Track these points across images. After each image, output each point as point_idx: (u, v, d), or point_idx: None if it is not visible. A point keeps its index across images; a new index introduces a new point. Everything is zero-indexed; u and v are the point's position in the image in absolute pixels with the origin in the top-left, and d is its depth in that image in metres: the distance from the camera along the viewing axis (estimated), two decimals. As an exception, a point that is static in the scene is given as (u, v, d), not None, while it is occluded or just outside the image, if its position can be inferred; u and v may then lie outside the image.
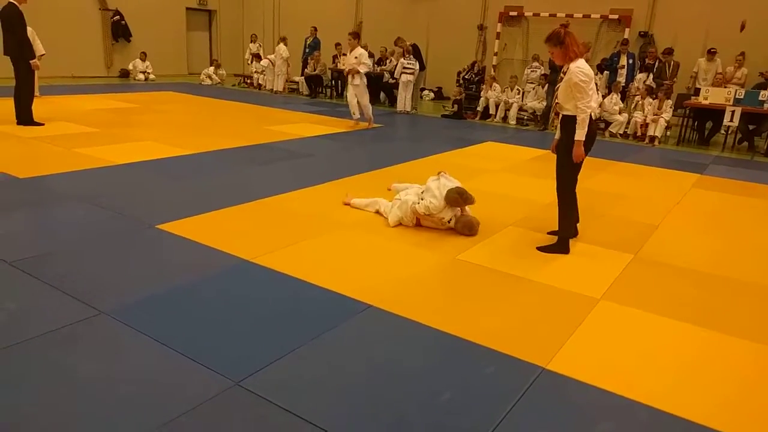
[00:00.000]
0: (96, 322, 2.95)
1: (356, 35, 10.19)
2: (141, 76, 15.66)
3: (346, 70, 10.09)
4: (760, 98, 9.45)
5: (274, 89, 14.73)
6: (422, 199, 4.61)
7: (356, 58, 9.70)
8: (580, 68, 4.07)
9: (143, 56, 15.69)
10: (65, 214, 4.65)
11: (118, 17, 15.79)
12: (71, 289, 3.27)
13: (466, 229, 4.58)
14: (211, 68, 16.35)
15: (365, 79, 9.87)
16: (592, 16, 12.76)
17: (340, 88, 14.77)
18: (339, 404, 2.44)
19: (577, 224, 4.68)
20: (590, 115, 4.13)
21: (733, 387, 2.76)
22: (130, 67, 15.79)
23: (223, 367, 2.61)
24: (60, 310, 3.04)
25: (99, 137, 7.59)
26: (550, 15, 13.12)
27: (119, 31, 15.94)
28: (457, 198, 4.50)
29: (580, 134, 4.13)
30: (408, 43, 12.60)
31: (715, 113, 9.95)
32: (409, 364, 2.78)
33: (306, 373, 2.63)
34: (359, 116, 10.01)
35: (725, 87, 10.07)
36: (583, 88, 4.04)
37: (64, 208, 4.76)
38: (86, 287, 3.31)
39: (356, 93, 9.79)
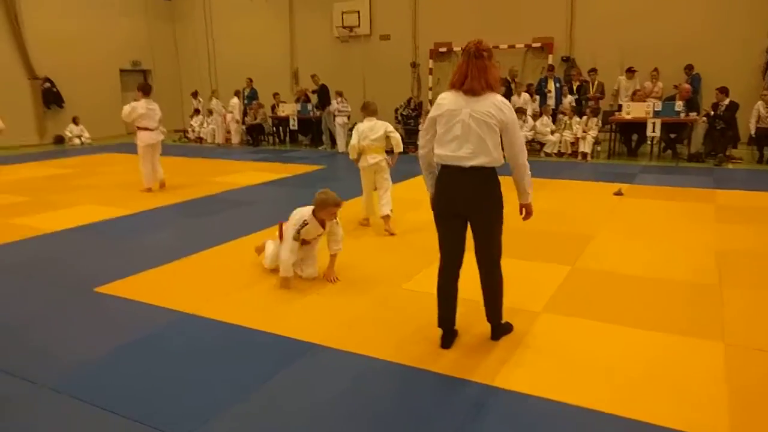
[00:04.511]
0: (32, 396, 2.85)
1: (140, 88, 7.98)
2: (77, 141, 15.37)
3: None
4: (675, 108, 10.08)
5: (217, 141, 14.81)
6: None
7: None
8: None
9: (76, 121, 15.47)
10: (-2, 287, 4.48)
11: (48, 84, 15.55)
12: (6, 364, 3.15)
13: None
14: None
15: (151, 140, 7.85)
16: (517, 45, 13.41)
17: (282, 134, 14.92)
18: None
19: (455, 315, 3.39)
20: (441, 158, 3.29)
21: (681, 384, 2.87)
22: (66, 132, 15.51)
23: (171, 425, 2.55)
24: (-7, 387, 2.92)
25: (34, 205, 7.38)
26: (477, 48, 13.70)
27: (51, 98, 15.67)
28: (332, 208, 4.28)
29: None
30: (317, 79, 13.35)
31: (639, 126, 10.53)
32: (362, 400, 2.79)
33: (256, 420, 2.60)
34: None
35: (645, 101, 10.69)
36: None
37: (-3, 282, 4.59)
38: (22, 361, 3.20)
39: None
